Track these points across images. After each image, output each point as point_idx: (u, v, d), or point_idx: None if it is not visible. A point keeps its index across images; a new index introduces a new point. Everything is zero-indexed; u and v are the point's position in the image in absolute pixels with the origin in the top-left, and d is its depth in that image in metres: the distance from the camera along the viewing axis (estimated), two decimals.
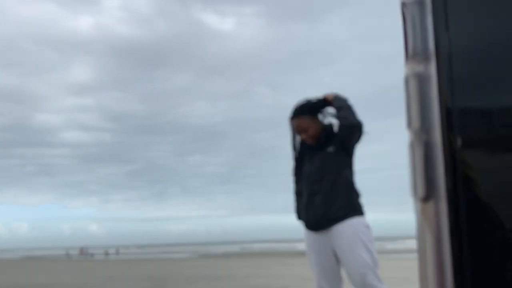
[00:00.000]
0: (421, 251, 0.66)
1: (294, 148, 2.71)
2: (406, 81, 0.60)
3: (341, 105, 2.54)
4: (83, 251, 55.06)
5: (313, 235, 2.58)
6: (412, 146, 0.63)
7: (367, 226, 2.52)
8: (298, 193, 2.68)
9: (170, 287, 8.82)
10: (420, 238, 0.66)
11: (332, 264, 2.53)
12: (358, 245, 2.44)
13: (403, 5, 0.62)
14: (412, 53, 0.59)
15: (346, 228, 2.47)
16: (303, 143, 2.65)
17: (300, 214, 2.66)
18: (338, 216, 2.48)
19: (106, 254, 57.29)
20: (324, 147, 2.56)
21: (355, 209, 2.52)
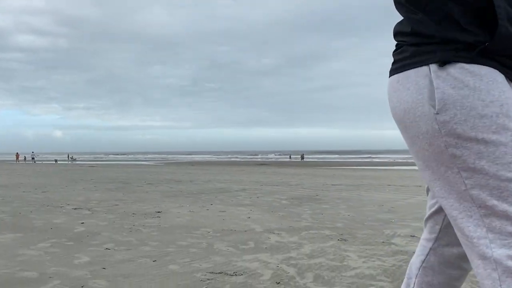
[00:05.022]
0: None
1: None
2: None
3: None
4: (18, 156, 50.54)
5: None
6: None
7: None
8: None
9: (133, 188, 9.09)
10: None
11: None
12: None
13: None
14: None
15: None
16: None
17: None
18: None
19: (72, 160, 56.98)
20: None
21: None
